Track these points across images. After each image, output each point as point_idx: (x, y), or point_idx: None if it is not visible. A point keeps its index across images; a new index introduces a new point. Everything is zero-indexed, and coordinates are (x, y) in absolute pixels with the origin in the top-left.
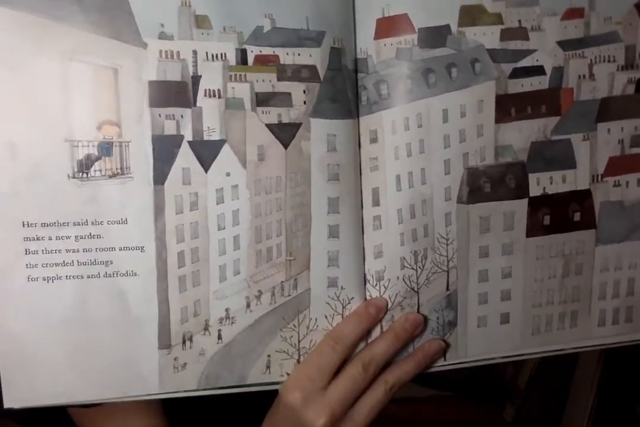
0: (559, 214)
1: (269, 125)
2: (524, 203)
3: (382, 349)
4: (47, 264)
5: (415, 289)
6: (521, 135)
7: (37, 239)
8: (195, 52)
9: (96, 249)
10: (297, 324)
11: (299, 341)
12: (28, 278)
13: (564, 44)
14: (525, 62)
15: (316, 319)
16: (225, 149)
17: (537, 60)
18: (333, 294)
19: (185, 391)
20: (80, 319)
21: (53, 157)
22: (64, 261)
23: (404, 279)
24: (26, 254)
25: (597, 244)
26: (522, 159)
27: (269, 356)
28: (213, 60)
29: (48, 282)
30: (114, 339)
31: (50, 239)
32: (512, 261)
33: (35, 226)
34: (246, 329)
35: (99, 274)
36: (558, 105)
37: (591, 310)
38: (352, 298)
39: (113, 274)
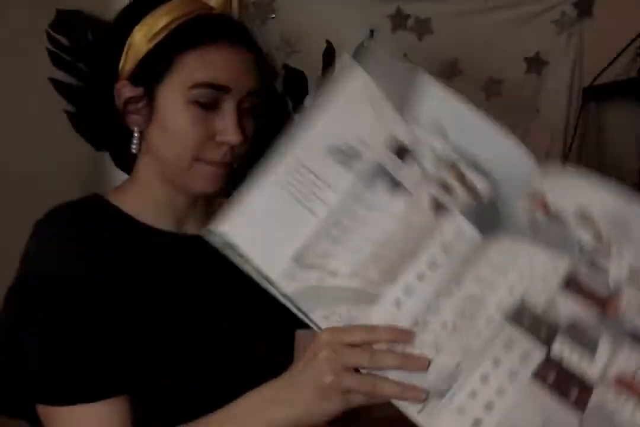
0: (562, 382)
1: (433, 197)
2: (543, 352)
3: (389, 355)
4: None
5: (436, 347)
6: (569, 310)
7: None
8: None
9: None
10: (358, 310)
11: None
12: None
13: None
14: (599, 264)
15: (371, 314)
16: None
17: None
18: (391, 309)
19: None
20: None
21: None
22: None
23: (435, 334)
24: None
25: None
26: (561, 325)
27: (333, 312)
28: (431, 151)
29: None
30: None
31: None
32: (509, 386)
33: None
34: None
35: None
36: (605, 308)
37: None
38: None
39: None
